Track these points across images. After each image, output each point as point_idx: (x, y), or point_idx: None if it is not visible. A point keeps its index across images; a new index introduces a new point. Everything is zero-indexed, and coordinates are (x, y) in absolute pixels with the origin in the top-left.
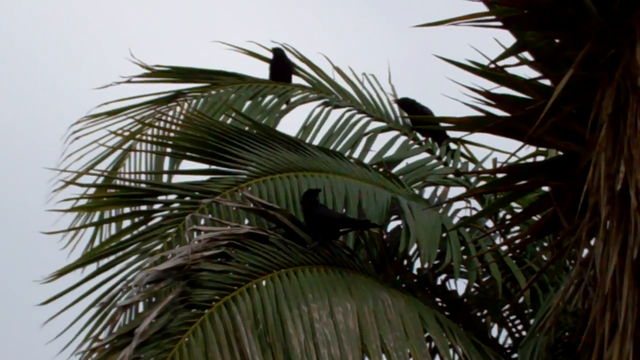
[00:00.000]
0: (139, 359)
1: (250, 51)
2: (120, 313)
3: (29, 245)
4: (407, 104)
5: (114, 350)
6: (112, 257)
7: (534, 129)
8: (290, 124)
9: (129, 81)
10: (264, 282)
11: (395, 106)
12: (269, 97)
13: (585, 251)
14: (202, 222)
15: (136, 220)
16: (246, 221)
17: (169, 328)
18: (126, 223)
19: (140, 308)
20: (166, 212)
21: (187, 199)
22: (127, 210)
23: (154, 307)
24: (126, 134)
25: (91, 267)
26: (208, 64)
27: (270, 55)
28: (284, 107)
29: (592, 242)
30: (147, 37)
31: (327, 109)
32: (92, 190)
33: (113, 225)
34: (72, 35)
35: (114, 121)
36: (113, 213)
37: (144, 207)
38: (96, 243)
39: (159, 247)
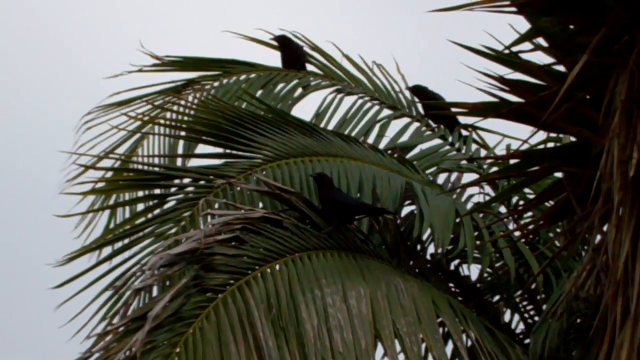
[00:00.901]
0: (152, 342)
1: (260, 40)
2: (133, 296)
3: (43, 229)
4: (419, 91)
5: (127, 334)
6: (126, 241)
7: (548, 114)
8: (303, 112)
9: (140, 70)
10: (277, 267)
11: (407, 93)
12: (281, 85)
13: (598, 237)
14: (217, 206)
15: (150, 203)
16: (260, 205)
17: (182, 312)
18: (140, 207)
19: (154, 292)
20: (180, 196)
21: (202, 182)
22: (141, 194)
23: (167, 290)
24: (145, 118)
25: (105, 251)
26: (218, 54)
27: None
28: (297, 93)
29: (605, 228)
30: (156, 28)
31: (339, 96)
32: (106, 175)
33: (127, 209)
34: (80, 27)
35: (127, 109)
36: (127, 197)
37: (158, 191)
38: (104, 223)
39: (173, 230)
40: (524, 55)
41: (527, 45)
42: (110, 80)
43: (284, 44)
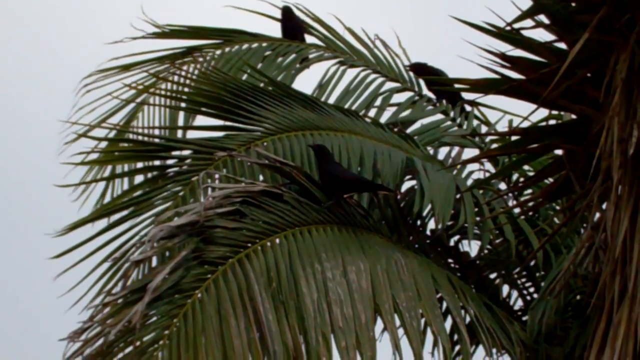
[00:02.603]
0: (152, 314)
1: (261, 12)
2: (133, 268)
3: (41, 198)
4: (418, 69)
5: (127, 305)
6: (124, 212)
7: (548, 91)
8: (305, 83)
9: (142, 37)
10: (277, 240)
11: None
12: (283, 56)
13: (597, 215)
14: (217, 178)
15: (149, 175)
16: (260, 178)
17: (182, 284)
18: (139, 178)
19: (154, 263)
20: (180, 168)
21: (202, 154)
22: (140, 165)
23: (167, 262)
24: (141, 87)
25: (104, 222)
26: (221, 24)
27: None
28: (299, 65)
29: (604, 206)
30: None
31: (342, 68)
32: (103, 144)
33: (126, 179)
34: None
35: (126, 75)
36: (126, 167)
37: (157, 162)
38: (108, 197)
39: (172, 202)
40: (525, 32)
41: (528, 22)
42: (111, 48)
43: (287, 16)
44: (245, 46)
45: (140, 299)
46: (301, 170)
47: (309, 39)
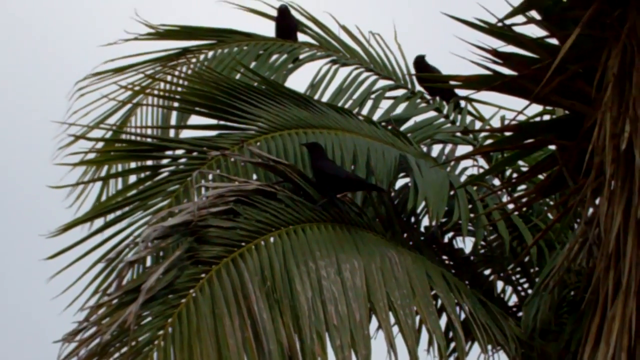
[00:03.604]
0: (147, 314)
1: (255, 10)
2: (127, 269)
3: (35, 200)
4: (417, 62)
5: (121, 306)
6: (118, 213)
7: (541, 87)
8: (298, 82)
9: (135, 39)
10: (271, 239)
11: (403, 65)
12: (276, 55)
13: (590, 210)
14: (210, 177)
15: (143, 175)
16: (254, 177)
17: (176, 284)
18: (133, 178)
19: (148, 263)
20: (173, 168)
21: (195, 154)
22: (133, 165)
23: (161, 263)
24: (137, 88)
25: (98, 223)
26: (214, 24)
27: (275, 13)
28: (291, 65)
29: (597, 201)
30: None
31: (334, 66)
32: (98, 146)
33: (120, 180)
34: None
35: (120, 77)
36: (120, 168)
37: (150, 162)
38: (103, 198)
39: (166, 202)
40: (517, 28)
41: (520, 18)
42: (105, 49)
43: (283, 15)
44: (238, 47)
45: (134, 300)
46: (294, 168)
47: (302, 37)
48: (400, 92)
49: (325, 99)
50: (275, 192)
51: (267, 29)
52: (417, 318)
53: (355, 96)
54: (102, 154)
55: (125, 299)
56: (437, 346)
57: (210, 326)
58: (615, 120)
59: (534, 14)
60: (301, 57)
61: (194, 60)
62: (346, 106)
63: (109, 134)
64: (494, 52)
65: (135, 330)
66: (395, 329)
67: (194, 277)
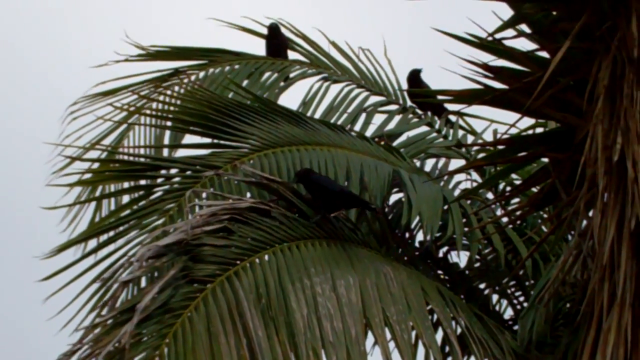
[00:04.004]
0: (142, 334)
1: (245, 27)
2: (122, 289)
3: (30, 222)
4: (413, 76)
5: (116, 326)
6: (112, 233)
7: (532, 100)
8: (290, 100)
9: (126, 60)
10: (266, 257)
11: (394, 80)
12: (267, 73)
13: (584, 222)
14: (204, 196)
15: (136, 195)
16: (248, 195)
17: (171, 303)
18: (126, 198)
19: (143, 283)
20: (167, 187)
21: (189, 172)
22: (127, 185)
23: (155, 282)
24: (132, 109)
25: (92, 243)
26: (203, 42)
27: (265, 31)
28: (283, 83)
29: (590, 213)
30: (139, 17)
31: (326, 83)
32: (93, 167)
33: (113, 201)
34: (63, 18)
35: (113, 99)
36: (113, 188)
37: (144, 182)
38: (98, 219)
39: (160, 222)
40: (507, 42)
41: (510, 32)
42: (97, 71)
43: (273, 34)
44: (228, 67)
45: (129, 320)
46: (288, 186)
47: (293, 54)
48: (392, 107)
49: (317, 116)
50: (269, 210)
51: (256, 46)
52: (413, 333)
53: (347, 113)
54: (96, 175)
55: (120, 318)
56: None
57: (206, 344)
58: (606, 132)
59: (524, 27)
60: (292, 75)
61: (186, 80)
62: (338, 123)
63: (103, 155)
64: (485, 66)
65: (130, 350)
66: (392, 345)
67: (188, 295)
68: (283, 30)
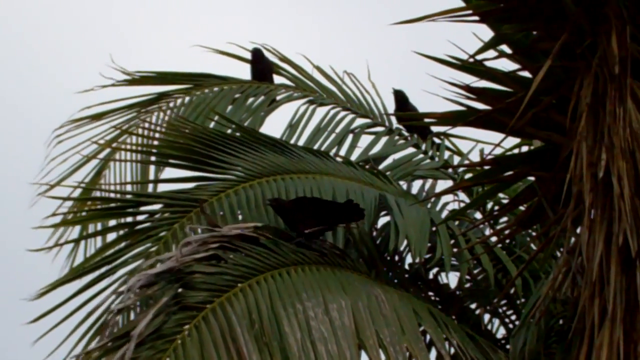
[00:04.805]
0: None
1: (230, 53)
2: (114, 317)
3: (15, 262)
4: (398, 98)
5: (109, 353)
6: (97, 273)
7: (515, 120)
8: (276, 123)
9: (112, 85)
10: (257, 283)
11: (379, 103)
12: (252, 98)
13: (572, 239)
14: (200, 231)
15: (121, 232)
16: (240, 217)
17: (163, 329)
18: (112, 236)
19: (132, 316)
20: (149, 224)
21: (173, 208)
22: (112, 222)
23: (148, 309)
24: (111, 137)
25: (79, 282)
26: (188, 67)
27: (249, 56)
28: (269, 105)
29: (578, 230)
30: (125, 42)
31: (312, 107)
32: (76, 196)
33: (99, 237)
34: (48, 42)
35: (96, 124)
36: (99, 226)
37: (129, 219)
38: (79, 254)
39: (148, 262)
40: (488, 63)
41: (491, 53)
42: (82, 95)
43: (257, 58)
44: (214, 90)
45: (122, 346)
46: (268, 228)
47: (278, 79)
48: (378, 129)
49: (303, 139)
50: (257, 237)
51: (241, 71)
52: (407, 355)
53: (333, 135)
54: (77, 213)
55: (113, 345)
56: None
57: None
58: (591, 149)
59: (504, 48)
60: (278, 98)
61: (171, 104)
62: (325, 146)
63: (83, 187)
64: (467, 88)
65: None
66: None
67: (181, 322)
68: (268, 54)
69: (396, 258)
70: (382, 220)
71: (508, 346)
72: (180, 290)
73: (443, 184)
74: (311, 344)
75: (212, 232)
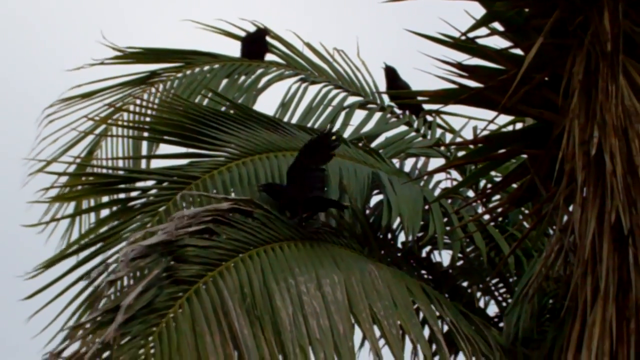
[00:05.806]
0: (127, 334)
1: (221, 29)
2: (107, 288)
3: (7, 236)
4: (388, 74)
5: (101, 326)
6: (92, 249)
7: (507, 98)
8: (268, 102)
9: (102, 63)
10: (249, 257)
11: (371, 81)
12: (244, 76)
13: (565, 217)
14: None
15: (115, 208)
16: (232, 194)
17: (155, 303)
18: (105, 211)
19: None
20: (144, 200)
21: (166, 184)
22: (105, 199)
23: (139, 281)
24: (104, 115)
25: (72, 260)
26: (178, 44)
27: (240, 33)
28: (261, 83)
29: (571, 208)
30: (115, 18)
31: (303, 85)
32: (66, 177)
33: (92, 213)
34: (38, 19)
35: (87, 103)
36: (92, 201)
37: (122, 195)
38: (75, 229)
39: (140, 233)
40: (480, 41)
41: (483, 31)
42: (74, 72)
43: (258, 37)
44: (206, 67)
45: (114, 319)
46: (255, 203)
47: (269, 56)
48: (370, 107)
49: (296, 117)
50: (251, 211)
51: (230, 48)
52: (401, 331)
53: (325, 114)
54: (71, 188)
55: (106, 317)
56: (422, 356)
57: (191, 344)
58: (583, 127)
59: (496, 25)
60: (269, 77)
61: (161, 86)
62: (317, 124)
63: (77, 165)
64: (459, 66)
65: (116, 350)
66: (381, 342)
67: (173, 296)
68: (255, 29)
69: (389, 236)
70: (375, 199)
71: (501, 324)
72: (172, 263)
73: (435, 162)
74: (303, 318)
75: (206, 206)
